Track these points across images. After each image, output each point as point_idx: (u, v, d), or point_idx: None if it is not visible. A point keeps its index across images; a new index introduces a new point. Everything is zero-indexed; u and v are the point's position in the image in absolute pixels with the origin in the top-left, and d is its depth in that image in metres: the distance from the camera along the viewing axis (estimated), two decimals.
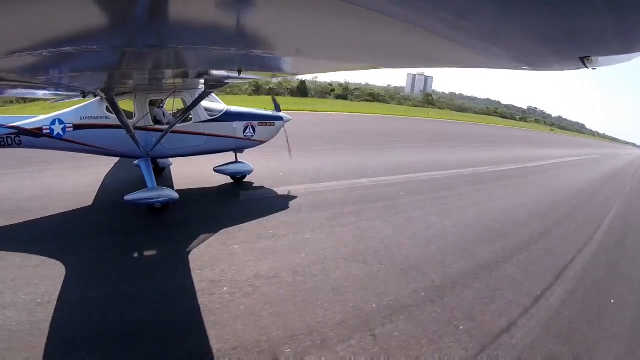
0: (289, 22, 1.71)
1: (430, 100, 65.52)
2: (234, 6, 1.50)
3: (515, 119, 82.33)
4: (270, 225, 6.57)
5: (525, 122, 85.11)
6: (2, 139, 6.37)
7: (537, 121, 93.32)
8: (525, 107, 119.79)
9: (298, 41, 2.22)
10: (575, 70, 1.73)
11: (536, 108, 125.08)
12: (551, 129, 79.51)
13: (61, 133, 6.58)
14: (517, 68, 2.03)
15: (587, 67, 1.57)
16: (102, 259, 5.12)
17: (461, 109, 70.18)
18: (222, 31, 1.87)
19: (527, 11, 1.18)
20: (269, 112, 8.43)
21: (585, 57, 1.50)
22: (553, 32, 1.34)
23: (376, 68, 3.31)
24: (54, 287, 4.36)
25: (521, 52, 1.74)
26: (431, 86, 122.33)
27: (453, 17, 1.34)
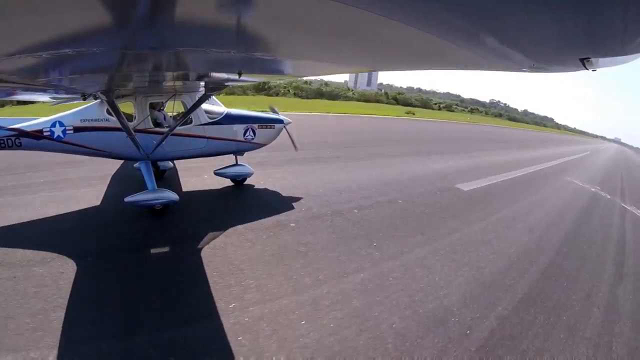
0: (289, 24, 1.71)
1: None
2: (233, 8, 1.50)
3: (432, 109, 69.79)
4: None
5: (451, 111, 72.01)
6: (2, 141, 6.36)
7: (472, 111, 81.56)
8: (487, 101, 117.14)
9: (298, 44, 2.22)
10: (575, 72, 1.72)
11: (499, 101, 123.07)
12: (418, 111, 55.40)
13: (61, 135, 6.57)
14: (517, 70, 2.03)
15: (587, 69, 1.56)
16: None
17: (319, 95, 52.23)
18: (222, 33, 1.87)
19: (528, 12, 1.18)
20: (269, 115, 8.44)
21: (585, 58, 1.50)
22: (554, 34, 1.34)
23: (376, 70, 3.31)
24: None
25: (521, 53, 1.73)
26: (376, 79, 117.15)
27: (454, 19, 1.34)
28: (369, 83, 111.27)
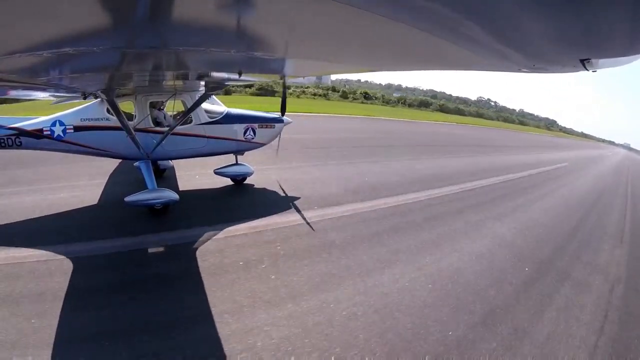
0: (289, 24, 1.71)
1: None
2: (234, 8, 1.50)
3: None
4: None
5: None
6: (2, 140, 6.37)
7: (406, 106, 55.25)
8: (474, 98, 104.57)
9: (298, 44, 2.22)
10: (575, 73, 1.72)
11: (488, 99, 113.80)
12: None
13: (62, 134, 6.57)
14: (518, 70, 2.03)
15: (587, 70, 1.56)
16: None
17: None
18: (222, 33, 1.86)
19: (529, 14, 1.18)
20: (269, 114, 8.45)
21: (586, 59, 1.50)
22: (555, 34, 1.34)
23: (376, 70, 3.31)
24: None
25: (522, 54, 1.73)
26: (329, 76, 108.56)
27: (455, 19, 1.34)
28: (319, 78, 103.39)
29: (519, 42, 1.56)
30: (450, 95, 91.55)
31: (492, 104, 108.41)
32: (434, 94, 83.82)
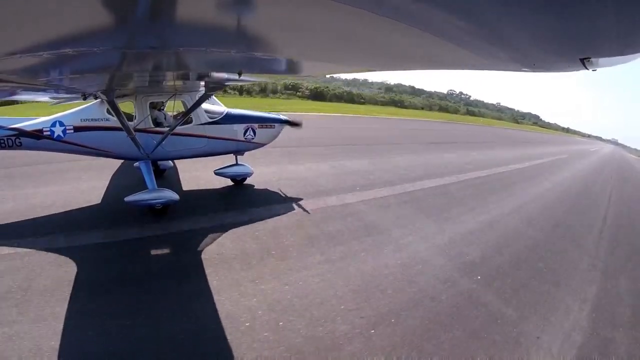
0: (289, 24, 1.71)
1: None
2: (233, 8, 1.50)
3: None
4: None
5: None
6: (2, 141, 6.36)
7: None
8: (445, 92, 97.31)
9: (298, 44, 2.21)
10: (575, 72, 1.72)
11: (461, 92, 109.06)
12: None
13: (62, 135, 6.57)
14: (517, 69, 2.03)
15: (587, 69, 1.56)
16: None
17: None
18: (222, 33, 1.86)
19: (529, 12, 1.18)
20: (269, 115, 8.44)
21: (586, 58, 1.50)
22: (555, 33, 1.34)
23: (377, 70, 3.31)
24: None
25: (522, 53, 1.73)
26: None
27: (454, 18, 1.33)
28: None
29: (519, 42, 1.56)
30: (413, 87, 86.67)
31: (464, 97, 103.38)
32: (389, 87, 78.26)
